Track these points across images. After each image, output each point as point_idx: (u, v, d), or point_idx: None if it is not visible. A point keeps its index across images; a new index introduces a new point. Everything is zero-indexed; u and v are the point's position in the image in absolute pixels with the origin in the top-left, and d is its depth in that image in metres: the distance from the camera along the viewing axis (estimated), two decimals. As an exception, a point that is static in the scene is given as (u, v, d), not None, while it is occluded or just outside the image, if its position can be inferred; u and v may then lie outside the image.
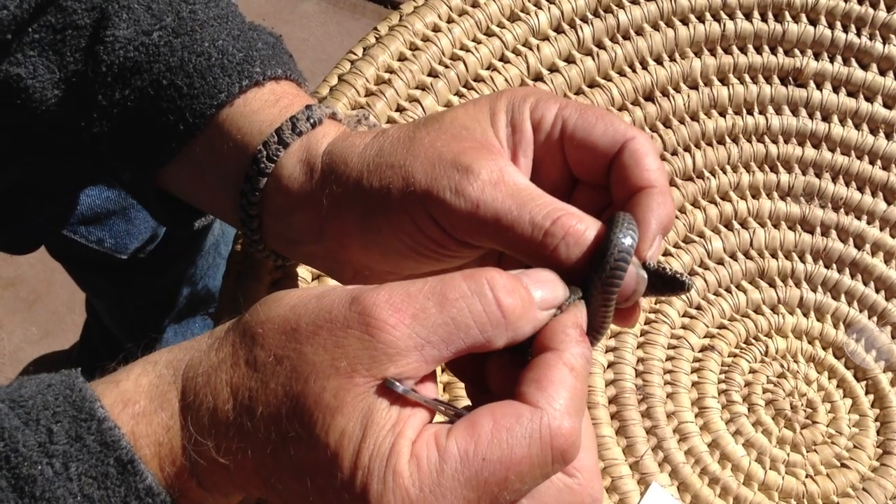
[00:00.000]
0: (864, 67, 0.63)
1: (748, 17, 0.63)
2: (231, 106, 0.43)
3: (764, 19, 0.63)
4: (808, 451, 0.54)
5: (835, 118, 0.62)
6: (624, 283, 0.36)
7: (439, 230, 0.38)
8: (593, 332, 0.37)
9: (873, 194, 0.61)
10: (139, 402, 0.33)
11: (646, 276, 0.38)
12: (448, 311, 0.31)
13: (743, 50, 0.63)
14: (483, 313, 0.31)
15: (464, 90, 0.59)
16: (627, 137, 0.39)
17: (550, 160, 0.41)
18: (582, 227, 0.36)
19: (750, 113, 0.62)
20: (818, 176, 0.61)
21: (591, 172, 0.41)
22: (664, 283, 0.38)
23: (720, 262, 0.59)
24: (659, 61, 0.62)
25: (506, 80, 0.59)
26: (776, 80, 0.63)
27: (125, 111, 0.44)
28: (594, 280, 0.36)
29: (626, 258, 0.36)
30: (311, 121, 0.43)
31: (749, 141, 0.62)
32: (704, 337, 0.57)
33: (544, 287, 0.34)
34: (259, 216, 0.44)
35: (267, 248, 0.46)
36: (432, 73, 0.58)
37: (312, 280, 0.52)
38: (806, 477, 0.54)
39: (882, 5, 0.64)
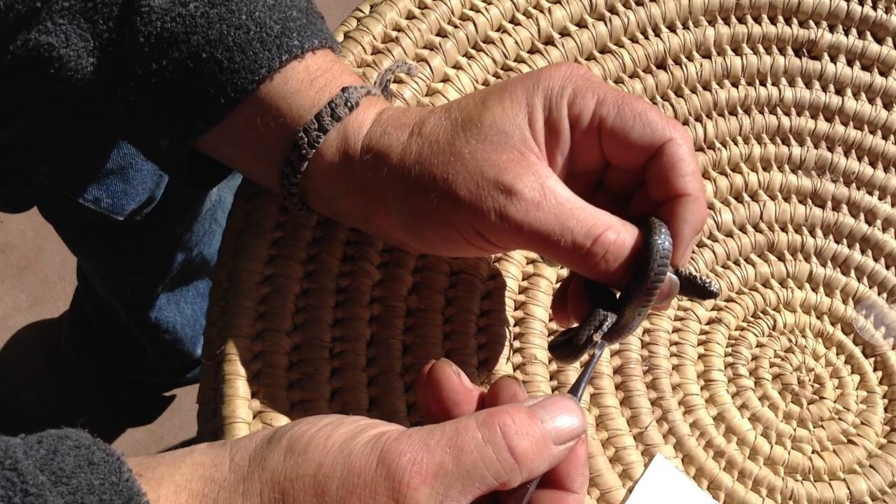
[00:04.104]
0: (880, 41, 0.62)
1: (764, -14, 0.61)
2: (271, 81, 0.43)
3: (779, -11, 0.61)
4: (814, 427, 0.54)
5: (848, 91, 0.61)
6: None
7: (484, 240, 0.40)
8: (627, 330, 0.41)
9: (886, 169, 0.60)
10: None
11: (678, 281, 0.41)
12: (464, 465, 0.33)
13: (757, 20, 0.61)
14: (496, 461, 0.33)
15: (473, 52, 0.57)
16: (665, 140, 0.40)
17: (587, 150, 0.42)
18: (621, 239, 0.39)
19: (763, 84, 0.61)
20: (830, 149, 0.60)
21: (627, 164, 0.42)
22: (694, 289, 0.41)
23: (729, 235, 0.58)
24: (672, 29, 0.60)
25: (516, 42, 0.58)
26: (790, 51, 0.61)
27: (164, 81, 0.43)
28: (634, 287, 0.39)
29: (664, 270, 0.39)
30: (349, 105, 0.43)
31: (761, 112, 0.60)
32: (712, 310, 0.56)
33: (562, 419, 0.35)
34: (300, 194, 0.45)
35: (310, 212, 0.48)
36: (441, 33, 0.56)
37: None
38: (812, 453, 0.53)
39: (900, -22, 0.62)
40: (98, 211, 0.70)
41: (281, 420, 0.46)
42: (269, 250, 0.49)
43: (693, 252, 0.57)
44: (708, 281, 0.41)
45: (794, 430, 0.53)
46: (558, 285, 0.50)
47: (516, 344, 0.51)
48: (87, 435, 0.34)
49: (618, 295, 0.41)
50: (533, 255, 0.54)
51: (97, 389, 1.23)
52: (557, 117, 0.41)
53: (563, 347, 0.41)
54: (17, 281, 1.31)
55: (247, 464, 0.34)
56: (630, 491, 0.49)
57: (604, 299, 0.41)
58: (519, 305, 0.52)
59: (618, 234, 0.39)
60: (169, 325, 0.95)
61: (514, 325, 0.52)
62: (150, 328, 0.95)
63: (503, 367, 0.51)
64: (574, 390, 0.39)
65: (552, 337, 0.51)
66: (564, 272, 0.53)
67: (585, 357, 0.44)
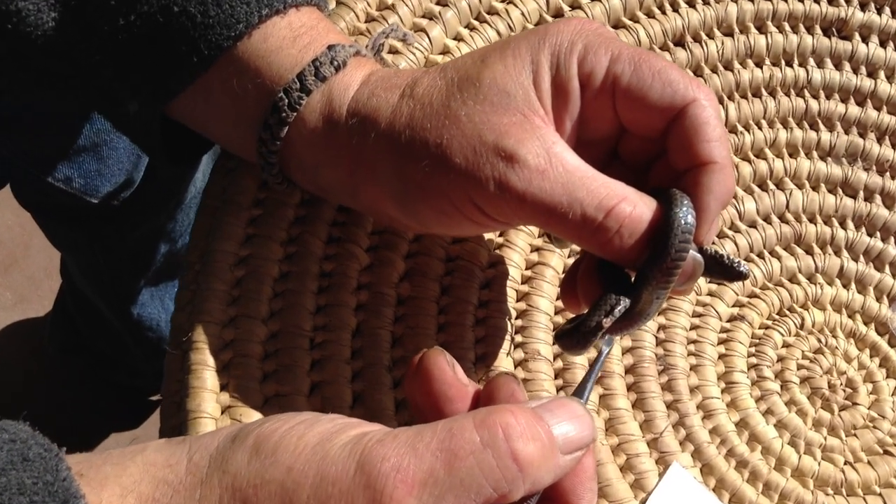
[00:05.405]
0: (916, 20, 0.58)
1: (791, -41, 0.57)
2: (249, 38, 0.39)
3: (808, -37, 0.57)
4: (847, 436, 0.49)
5: (881, 74, 0.57)
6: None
7: (482, 214, 0.36)
8: (643, 317, 0.36)
9: (923, 158, 0.55)
10: None
11: (702, 260, 0.36)
12: (458, 473, 0.28)
13: (783, -4, 0.57)
14: (496, 469, 0.28)
15: (475, 23, 0.53)
16: (687, 101, 0.36)
17: (599, 113, 0.38)
18: (637, 212, 0.35)
19: (789, 65, 0.56)
20: (862, 136, 0.56)
21: (645, 129, 0.38)
22: (720, 270, 0.37)
23: (752, 226, 0.53)
24: (691, 4, 0.56)
25: (522, 14, 0.53)
26: (818, 30, 0.57)
27: (131, 38, 0.39)
28: (652, 266, 0.35)
29: (686, 246, 0.34)
30: (335, 63, 0.39)
31: (787, 95, 0.56)
32: (734, 306, 0.51)
33: (570, 426, 0.30)
34: (280, 164, 0.41)
35: (292, 187, 0.43)
36: (441, 2, 0.52)
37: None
38: (845, 464, 0.48)
39: (937, -47, 0.58)
40: (70, 192, 0.66)
41: (252, 416, 0.41)
42: (246, 229, 0.45)
43: (713, 242, 0.52)
44: (736, 260, 0.36)
45: (825, 438, 0.48)
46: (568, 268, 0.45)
47: (518, 338, 0.46)
48: (27, 428, 0.30)
49: (633, 277, 0.36)
50: (537, 241, 0.49)
51: (83, 391, 1.19)
52: (566, 76, 0.37)
53: (570, 336, 0.36)
54: (2, 278, 1.27)
55: (206, 464, 0.30)
56: (643, 503, 0.44)
57: (618, 282, 0.36)
58: (522, 296, 0.48)
59: (634, 206, 0.35)
60: (152, 323, 0.91)
61: (516, 318, 0.47)
62: (133, 325, 0.90)
63: (503, 363, 0.46)
64: (579, 392, 0.35)
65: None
66: (572, 261, 0.49)
67: (592, 353, 0.39)
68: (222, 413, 0.41)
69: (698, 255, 0.36)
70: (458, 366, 0.34)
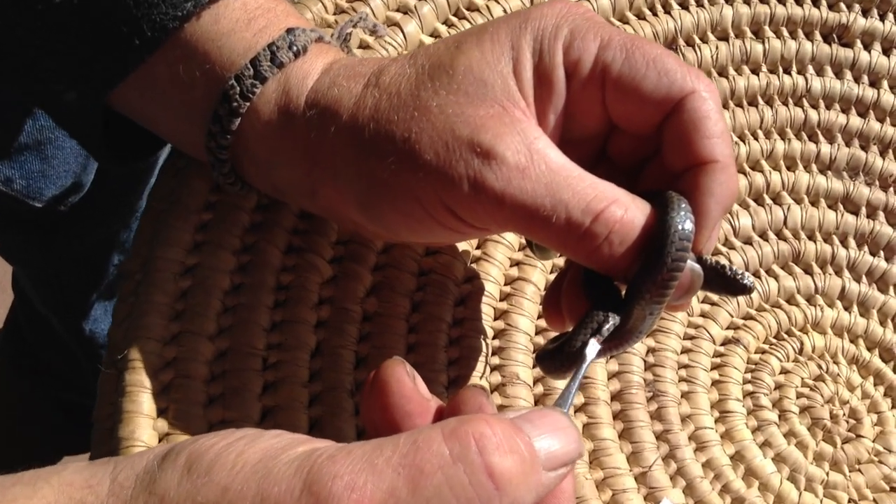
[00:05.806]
0: (920, 28, 0.54)
1: (789, -40, 0.54)
2: (198, 19, 0.35)
3: (807, -34, 0.54)
4: (850, 471, 0.45)
5: (884, 84, 0.53)
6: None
7: (455, 219, 0.32)
8: (634, 335, 0.32)
9: (928, 173, 0.52)
10: None
11: (702, 272, 0.32)
12: (423, 492, 0.24)
13: (782, 0, 0.54)
14: (469, 486, 0.24)
15: (454, 19, 0.49)
16: (685, 92, 0.33)
17: (587, 106, 0.34)
18: (629, 217, 0.31)
19: (787, 72, 0.53)
20: (864, 148, 0.52)
21: (637, 125, 0.34)
22: (721, 283, 0.33)
23: (748, 242, 0.49)
24: (684, 6, 0.52)
25: (504, 10, 0.49)
26: (818, 36, 0.54)
27: (67, 18, 0.35)
28: (645, 278, 0.31)
29: (683, 256, 0.31)
30: (294, 49, 0.35)
31: (785, 104, 0.52)
32: (728, 328, 0.47)
33: (553, 438, 0.27)
34: (233, 162, 0.37)
35: (246, 188, 0.39)
36: (417, -5, 0.48)
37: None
38: (849, 501, 0.44)
39: (942, -41, 0.55)
40: (10, 194, 0.61)
41: (194, 445, 0.36)
42: (195, 235, 0.40)
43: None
44: (740, 272, 0.32)
45: (827, 474, 0.44)
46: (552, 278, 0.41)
47: (494, 360, 0.42)
48: None
49: (624, 291, 0.32)
50: (518, 255, 0.45)
51: (31, 409, 1.13)
52: (550, 64, 0.33)
53: (553, 357, 0.32)
54: (-47, 291, 1.21)
55: (132, 485, 0.26)
56: (630, 545, 0.40)
57: (607, 296, 0.32)
58: (499, 314, 0.43)
59: (625, 209, 0.31)
60: (105, 340, 0.86)
61: (493, 338, 0.43)
62: (85, 341, 0.85)
63: (478, 387, 0.41)
64: (561, 402, 0.30)
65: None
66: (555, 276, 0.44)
67: None
68: (160, 441, 0.36)
69: (697, 266, 0.32)
70: (418, 378, 0.30)
